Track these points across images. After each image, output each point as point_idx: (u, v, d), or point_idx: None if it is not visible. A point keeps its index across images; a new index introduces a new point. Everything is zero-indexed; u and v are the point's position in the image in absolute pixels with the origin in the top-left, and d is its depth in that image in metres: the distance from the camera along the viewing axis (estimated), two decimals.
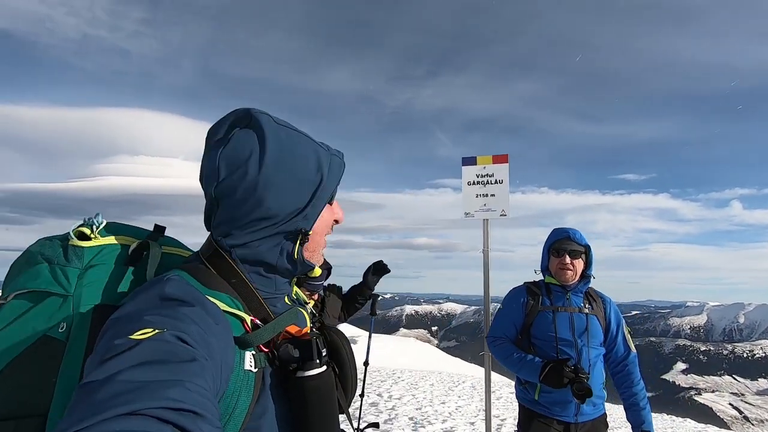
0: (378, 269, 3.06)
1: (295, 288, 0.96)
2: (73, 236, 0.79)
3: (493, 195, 3.47)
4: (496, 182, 3.48)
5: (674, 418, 9.96)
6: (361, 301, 3.10)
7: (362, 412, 6.21)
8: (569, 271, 2.36)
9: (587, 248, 2.41)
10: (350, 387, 0.89)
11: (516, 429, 2.48)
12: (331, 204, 0.87)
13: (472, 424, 6.37)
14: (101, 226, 0.82)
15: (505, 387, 10.33)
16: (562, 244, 2.40)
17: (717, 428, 9.00)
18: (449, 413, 6.91)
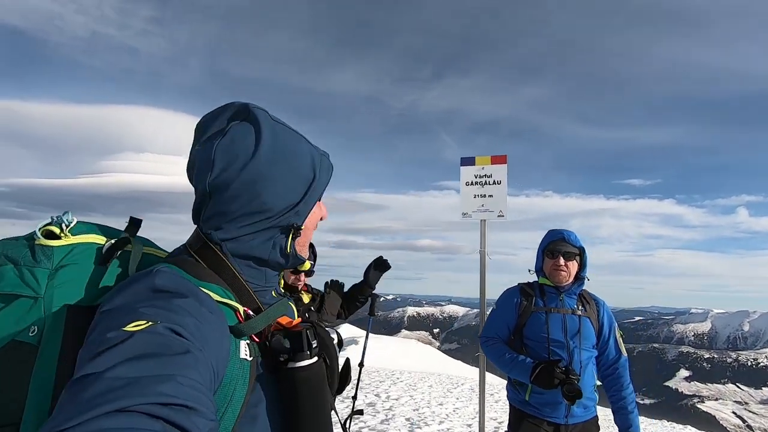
0: (379, 265, 3.04)
1: (282, 281, 0.99)
2: (39, 235, 0.76)
3: (491, 196, 3.46)
4: (494, 183, 3.47)
5: (675, 425, 9.89)
6: (362, 300, 3.08)
7: (353, 415, 6.22)
8: (563, 273, 2.35)
9: (582, 250, 2.41)
10: (335, 382, 0.89)
11: (506, 431, 2.48)
12: (319, 201, 0.89)
13: (469, 426, 6.35)
14: (72, 225, 0.79)
15: (504, 390, 10.29)
16: (556, 246, 2.39)
17: None
18: (446, 415, 6.90)
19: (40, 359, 0.69)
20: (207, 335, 0.65)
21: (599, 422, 2.41)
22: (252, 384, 0.73)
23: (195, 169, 0.79)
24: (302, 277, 2.61)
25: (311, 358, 0.78)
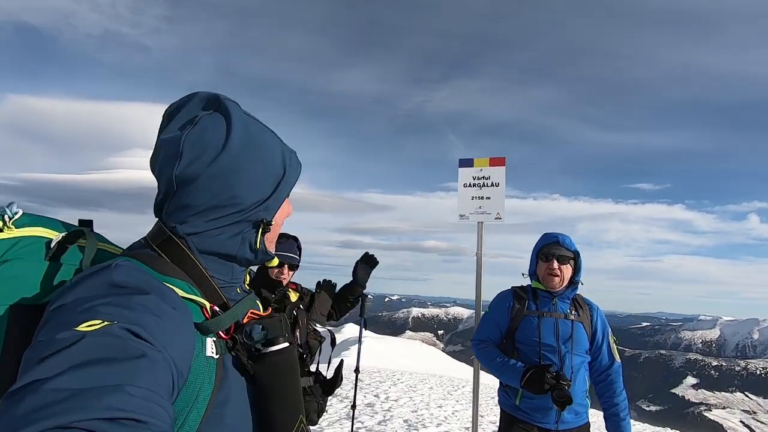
0: (366, 261, 3.00)
1: (248, 277, 0.96)
2: None
3: (488, 198, 3.44)
4: (492, 185, 3.45)
5: None
6: (352, 300, 3.02)
7: (356, 414, 6.21)
8: (556, 277, 2.33)
9: (576, 254, 2.38)
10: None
11: None
12: (287, 198, 0.88)
13: (467, 429, 6.32)
14: (16, 217, 0.74)
15: None
16: (550, 249, 2.37)
17: None
18: (445, 417, 6.87)
19: None
20: (169, 334, 0.62)
21: (591, 428, 2.38)
22: (218, 382, 0.70)
23: (160, 159, 0.76)
24: (285, 270, 2.52)
25: (286, 342, 0.78)
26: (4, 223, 0.73)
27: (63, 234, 0.76)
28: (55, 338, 0.54)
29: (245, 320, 0.80)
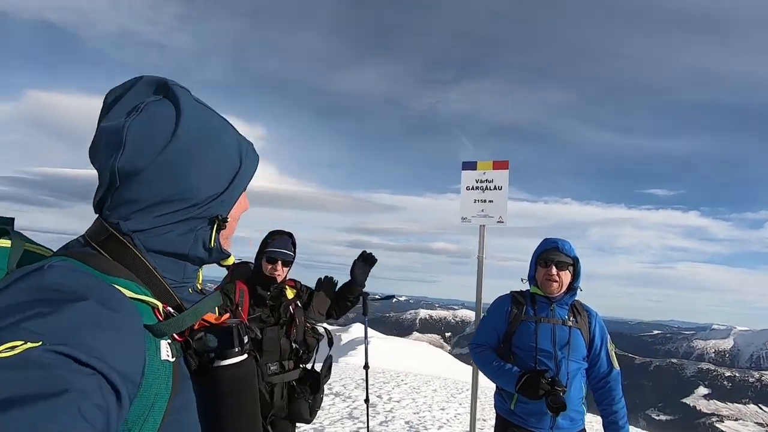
0: (365, 259, 2.91)
1: (200, 276, 0.85)
2: None
3: (491, 201, 3.43)
4: (495, 188, 3.44)
5: None
6: (352, 300, 2.94)
7: (357, 414, 6.22)
8: (555, 283, 2.32)
9: (576, 260, 2.37)
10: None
11: None
12: (243, 192, 0.81)
13: None
14: None
15: None
16: (549, 255, 2.36)
17: None
18: (447, 420, 6.85)
19: None
20: (110, 344, 0.55)
21: None
22: (176, 386, 0.65)
23: (101, 150, 0.68)
24: (279, 266, 2.47)
25: (242, 354, 0.73)
26: None
27: None
28: None
29: (197, 326, 0.73)
